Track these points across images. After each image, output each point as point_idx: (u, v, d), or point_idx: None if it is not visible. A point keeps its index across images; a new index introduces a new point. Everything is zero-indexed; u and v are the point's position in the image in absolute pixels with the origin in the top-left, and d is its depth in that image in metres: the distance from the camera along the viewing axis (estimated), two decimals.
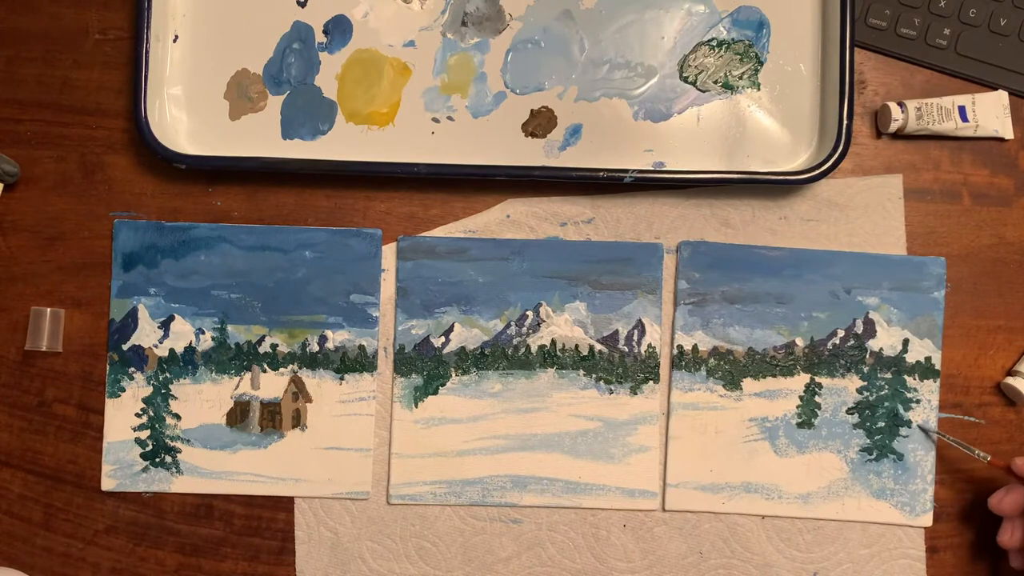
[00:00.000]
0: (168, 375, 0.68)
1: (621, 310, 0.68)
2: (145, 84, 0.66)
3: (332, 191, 0.69)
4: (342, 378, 0.68)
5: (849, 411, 0.68)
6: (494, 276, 0.68)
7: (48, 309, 0.67)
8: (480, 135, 0.68)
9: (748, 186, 0.68)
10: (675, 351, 0.68)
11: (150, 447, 0.68)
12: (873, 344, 0.69)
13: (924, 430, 0.68)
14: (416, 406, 0.68)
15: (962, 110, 0.69)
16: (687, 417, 0.68)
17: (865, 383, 0.69)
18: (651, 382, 0.68)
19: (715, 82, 0.69)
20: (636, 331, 0.68)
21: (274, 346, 0.68)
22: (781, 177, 0.66)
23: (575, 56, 0.69)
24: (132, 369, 0.68)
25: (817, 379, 0.68)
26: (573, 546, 0.68)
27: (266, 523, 0.68)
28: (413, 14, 0.69)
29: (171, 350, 0.68)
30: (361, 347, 0.68)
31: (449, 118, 0.68)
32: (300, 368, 0.68)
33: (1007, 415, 0.70)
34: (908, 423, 0.69)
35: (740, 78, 0.69)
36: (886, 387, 0.69)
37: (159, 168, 0.68)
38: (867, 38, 0.70)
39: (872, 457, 0.68)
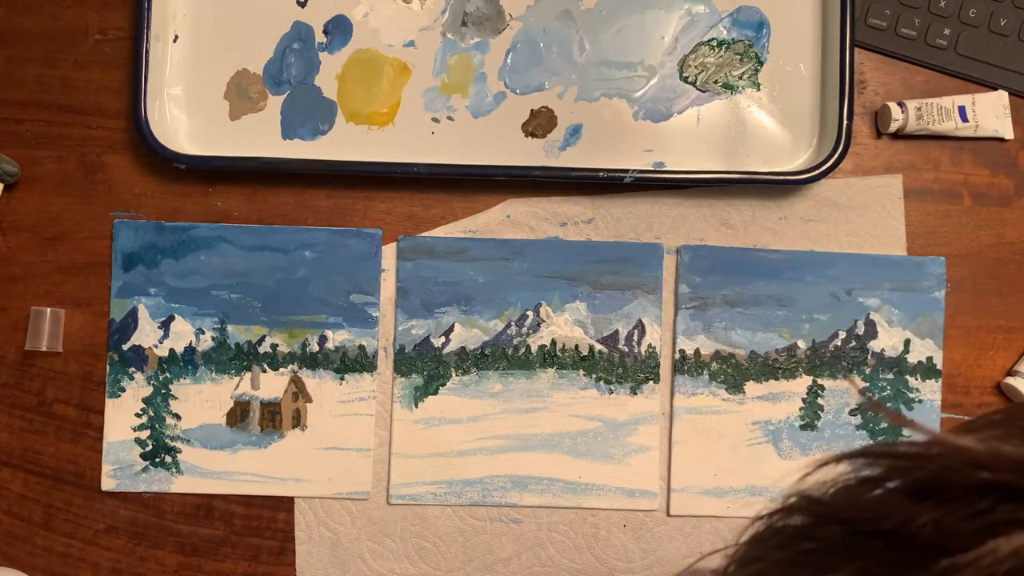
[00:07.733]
0: (168, 375, 0.68)
1: (621, 310, 0.68)
2: (145, 84, 0.66)
3: (332, 191, 0.69)
4: (342, 378, 0.68)
5: (852, 412, 0.68)
6: (494, 276, 0.68)
7: (48, 309, 0.67)
8: (480, 135, 0.68)
9: (748, 186, 0.68)
10: (677, 355, 0.68)
11: (150, 447, 0.67)
12: (874, 345, 0.68)
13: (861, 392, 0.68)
14: (416, 406, 0.68)
15: (962, 110, 0.68)
16: (690, 421, 0.68)
17: (867, 384, 0.68)
18: (651, 382, 0.68)
19: (715, 82, 0.69)
20: (636, 331, 0.68)
21: (274, 346, 0.68)
22: (781, 177, 0.66)
23: (575, 56, 0.69)
24: (132, 369, 0.68)
25: (819, 381, 0.68)
26: (573, 546, 0.68)
27: (266, 523, 0.68)
28: (413, 14, 0.69)
29: (171, 350, 0.68)
30: (361, 347, 0.68)
31: (449, 118, 0.68)
32: (300, 368, 0.68)
33: None
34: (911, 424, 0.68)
35: (740, 78, 0.69)
36: (888, 388, 0.68)
37: (159, 168, 0.68)
38: (867, 38, 0.70)
39: None
